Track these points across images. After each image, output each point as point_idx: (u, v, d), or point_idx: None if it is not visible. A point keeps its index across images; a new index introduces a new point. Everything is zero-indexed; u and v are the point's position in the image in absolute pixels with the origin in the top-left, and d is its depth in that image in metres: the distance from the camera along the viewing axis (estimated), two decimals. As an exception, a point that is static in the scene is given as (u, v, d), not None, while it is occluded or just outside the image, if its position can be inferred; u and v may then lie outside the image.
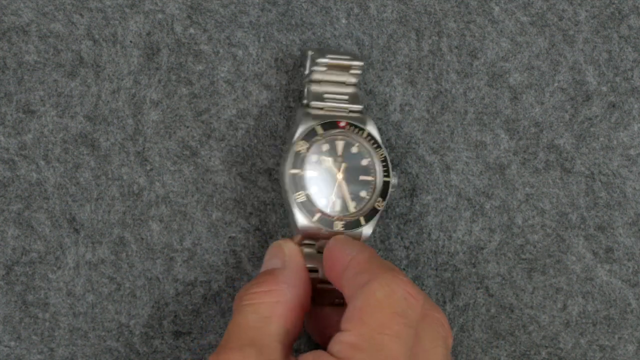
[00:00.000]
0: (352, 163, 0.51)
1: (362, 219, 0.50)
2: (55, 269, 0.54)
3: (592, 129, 0.55)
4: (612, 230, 0.54)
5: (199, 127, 0.54)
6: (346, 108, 0.51)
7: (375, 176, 0.51)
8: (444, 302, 0.54)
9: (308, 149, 0.50)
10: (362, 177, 0.51)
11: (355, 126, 0.50)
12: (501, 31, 0.55)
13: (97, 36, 0.55)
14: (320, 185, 0.50)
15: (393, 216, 0.54)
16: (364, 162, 0.51)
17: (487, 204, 0.54)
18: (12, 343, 0.54)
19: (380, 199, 0.50)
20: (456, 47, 0.55)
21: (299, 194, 0.50)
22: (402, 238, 0.54)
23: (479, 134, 0.55)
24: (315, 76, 0.51)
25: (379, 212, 0.50)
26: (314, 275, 0.50)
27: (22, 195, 0.54)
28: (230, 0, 0.55)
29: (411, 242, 0.54)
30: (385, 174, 0.50)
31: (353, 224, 0.50)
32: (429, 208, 0.54)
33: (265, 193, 0.54)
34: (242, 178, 0.54)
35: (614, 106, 0.55)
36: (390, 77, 0.55)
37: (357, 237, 0.50)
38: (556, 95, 0.55)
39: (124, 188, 0.54)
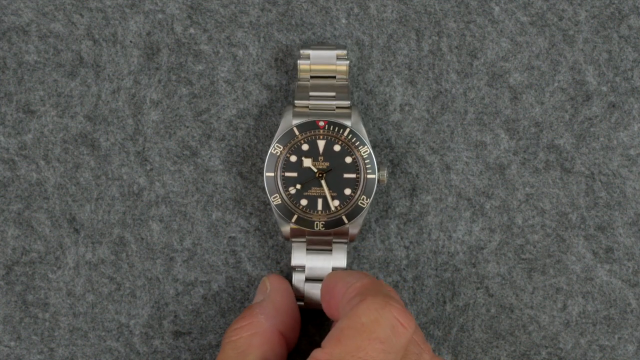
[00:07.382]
0: (336, 161, 0.51)
1: (344, 217, 0.51)
2: (55, 269, 0.54)
3: (592, 129, 0.55)
4: (612, 230, 0.54)
5: (199, 127, 0.54)
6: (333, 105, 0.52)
7: (359, 173, 0.51)
8: (444, 302, 0.54)
9: (282, 151, 0.50)
10: (346, 175, 0.51)
11: (335, 124, 0.51)
12: (501, 31, 0.55)
13: (97, 36, 0.55)
14: (300, 186, 0.51)
15: (393, 216, 0.54)
16: (348, 159, 0.51)
17: (487, 204, 0.54)
18: (12, 343, 0.54)
19: (364, 196, 0.51)
20: (456, 47, 0.55)
21: (274, 197, 0.51)
22: (402, 238, 0.54)
23: (479, 134, 0.55)
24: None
25: (364, 210, 0.51)
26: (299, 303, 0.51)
27: (22, 195, 0.54)
28: (230, 0, 0.55)
29: (411, 242, 0.54)
30: (369, 170, 0.51)
31: (334, 222, 0.50)
32: (429, 208, 0.54)
33: (265, 193, 0.54)
34: (242, 178, 0.54)
35: (614, 106, 0.55)
36: (390, 77, 0.55)
37: (344, 233, 0.51)
38: (556, 95, 0.55)
39: (124, 188, 0.54)
